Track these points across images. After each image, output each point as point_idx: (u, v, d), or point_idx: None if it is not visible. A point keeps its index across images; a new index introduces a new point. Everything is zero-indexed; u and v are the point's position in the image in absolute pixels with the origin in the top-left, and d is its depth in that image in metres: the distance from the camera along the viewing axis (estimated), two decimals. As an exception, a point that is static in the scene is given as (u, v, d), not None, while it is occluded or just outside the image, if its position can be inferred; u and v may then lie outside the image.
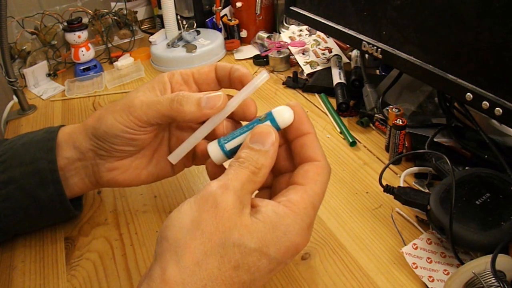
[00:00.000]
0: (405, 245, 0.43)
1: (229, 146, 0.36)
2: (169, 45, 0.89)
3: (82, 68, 0.88)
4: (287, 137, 0.37)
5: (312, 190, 0.33)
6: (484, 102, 0.42)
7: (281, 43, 0.83)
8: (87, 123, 0.43)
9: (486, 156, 0.49)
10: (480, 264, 0.35)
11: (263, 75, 0.38)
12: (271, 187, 0.40)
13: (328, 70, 0.75)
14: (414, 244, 0.42)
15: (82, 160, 0.44)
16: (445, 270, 0.40)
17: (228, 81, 0.42)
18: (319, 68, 0.78)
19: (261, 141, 0.33)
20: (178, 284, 0.27)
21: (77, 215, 0.49)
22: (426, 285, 0.39)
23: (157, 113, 0.39)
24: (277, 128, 0.35)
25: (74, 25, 0.84)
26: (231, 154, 0.37)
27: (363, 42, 0.59)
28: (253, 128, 0.35)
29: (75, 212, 0.47)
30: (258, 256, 0.29)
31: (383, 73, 0.74)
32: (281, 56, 0.82)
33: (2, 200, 0.42)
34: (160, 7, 0.94)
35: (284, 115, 0.35)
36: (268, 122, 0.35)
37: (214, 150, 0.37)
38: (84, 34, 0.85)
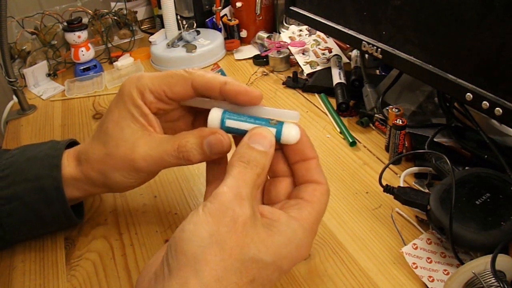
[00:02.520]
0: (405, 245, 0.43)
1: (229, 124, 0.36)
2: (169, 45, 0.89)
3: (82, 68, 0.88)
4: (291, 158, 0.37)
5: (318, 208, 0.35)
6: (484, 102, 0.42)
7: (281, 43, 0.83)
8: (93, 178, 0.41)
9: (486, 156, 0.49)
10: (480, 264, 0.35)
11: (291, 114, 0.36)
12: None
13: (328, 70, 0.75)
14: (414, 244, 0.42)
15: (94, 194, 0.47)
16: (445, 270, 0.40)
17: (219, 96, 0.37)
18: (319, 68, 0.78)
19: (261, 142, 0.33)
20: None
21: (80, 222, 0.49)
22: (426, 285, 0.39)
23: (164, 166, 0.39)
24: (278, 139, 0.35)
25: (74, 25, 0.84)
26: (225, 129, 0.36)
27: (363, 42, 0.59)
28: (257, 125, 0.35)
29: (78, 222, 0.47)
30: (273, 269, 0.30)
31: (383, 73, 0.74)
32: (281, 56, 0.82)
33: (6, 216, 0.42)
34: (160, 7, 0.94)
35: (292, 132, 0.35)
36: (273, 129, 0.35)
37: (214, 116, 0.36)
38: (84, 34, 0.85)
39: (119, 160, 0.38)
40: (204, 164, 0.60)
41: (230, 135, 0.37)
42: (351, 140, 0.59)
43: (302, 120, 0.67)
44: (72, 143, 0.47)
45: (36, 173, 0.42)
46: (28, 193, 0.42)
